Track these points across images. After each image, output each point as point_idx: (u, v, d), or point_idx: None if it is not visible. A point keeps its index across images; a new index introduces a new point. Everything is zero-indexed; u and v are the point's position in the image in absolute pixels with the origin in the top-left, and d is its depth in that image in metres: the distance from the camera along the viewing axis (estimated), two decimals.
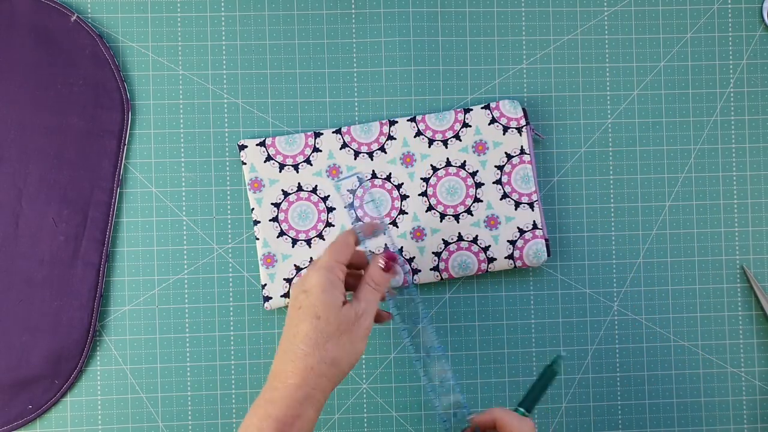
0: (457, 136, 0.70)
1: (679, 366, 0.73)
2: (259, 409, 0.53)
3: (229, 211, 0.71)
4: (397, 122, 0.70)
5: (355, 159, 0.70)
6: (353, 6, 0.72)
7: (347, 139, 0.70)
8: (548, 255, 0.70)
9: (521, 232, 0.70)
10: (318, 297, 0.55)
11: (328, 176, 0.70)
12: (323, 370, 0.54)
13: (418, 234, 0.70)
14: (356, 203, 0.62)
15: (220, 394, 0.71)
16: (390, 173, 0.70)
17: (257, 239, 0.70)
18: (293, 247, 0.70)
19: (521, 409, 0.60)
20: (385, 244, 0.62)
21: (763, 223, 0.73)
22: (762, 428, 0.73)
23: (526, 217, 0.70)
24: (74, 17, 0.70)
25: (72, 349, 0.69)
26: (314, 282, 0.56)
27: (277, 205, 0.70)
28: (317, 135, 0.70)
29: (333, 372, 0.54)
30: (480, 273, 0.71)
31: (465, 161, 0.70)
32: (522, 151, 0.70)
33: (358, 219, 0.61)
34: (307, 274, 0.57)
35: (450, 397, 0.66)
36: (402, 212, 0.70)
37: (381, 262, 0.58)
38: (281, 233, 0.70)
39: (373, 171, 0.70)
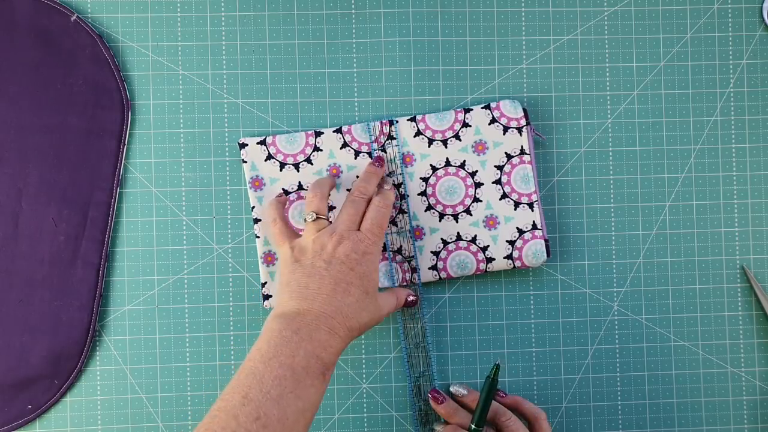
0: (457, 136, 0.70)
1: (679, 366, 0.73)
2: (307, 344, 0.57)
3: (229, 211, 0.71)
4: (397, 122, 0.70)
5: (356, 158, 0.70)
6: (353, 6, 0.72)
7: (348, 138, 0.70)
8: (548, 256, 0.70)
9: (520, 232, 0.70)
10: (372, 274, 0.62)
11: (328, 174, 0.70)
12: (356, 334, 0.61)
13: (417, 233, 0.70)
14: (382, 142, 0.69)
15: (220, 394, 0.70)
16: (390, 172, 0.70)
17: (257, 237, 0.70)
18: None
19: (473, 426, 0.65)
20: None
21: (763, 223, 0.73)
22: (762, 428, 0.73)
23: (526, 217, 0.70)
24: (74, 17, 0.70)
25: (72, 349, 0.69)
26: (373, 257, 0.62)
27: None
28: (318, 134, 0.70)
29: (359, 333, 0.62)
30: (479, 273, 0.71)
31: (465, 161, 0.70)
32: (522, 151, 0.70)
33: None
34: (365, 236, 0.62)
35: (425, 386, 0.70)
36: (401, 211, 0.70)
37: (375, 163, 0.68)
38: None
39: None
